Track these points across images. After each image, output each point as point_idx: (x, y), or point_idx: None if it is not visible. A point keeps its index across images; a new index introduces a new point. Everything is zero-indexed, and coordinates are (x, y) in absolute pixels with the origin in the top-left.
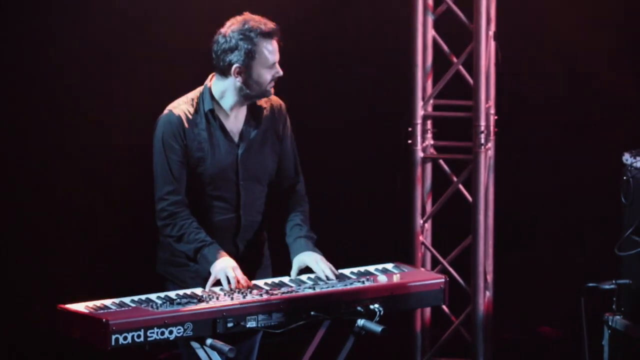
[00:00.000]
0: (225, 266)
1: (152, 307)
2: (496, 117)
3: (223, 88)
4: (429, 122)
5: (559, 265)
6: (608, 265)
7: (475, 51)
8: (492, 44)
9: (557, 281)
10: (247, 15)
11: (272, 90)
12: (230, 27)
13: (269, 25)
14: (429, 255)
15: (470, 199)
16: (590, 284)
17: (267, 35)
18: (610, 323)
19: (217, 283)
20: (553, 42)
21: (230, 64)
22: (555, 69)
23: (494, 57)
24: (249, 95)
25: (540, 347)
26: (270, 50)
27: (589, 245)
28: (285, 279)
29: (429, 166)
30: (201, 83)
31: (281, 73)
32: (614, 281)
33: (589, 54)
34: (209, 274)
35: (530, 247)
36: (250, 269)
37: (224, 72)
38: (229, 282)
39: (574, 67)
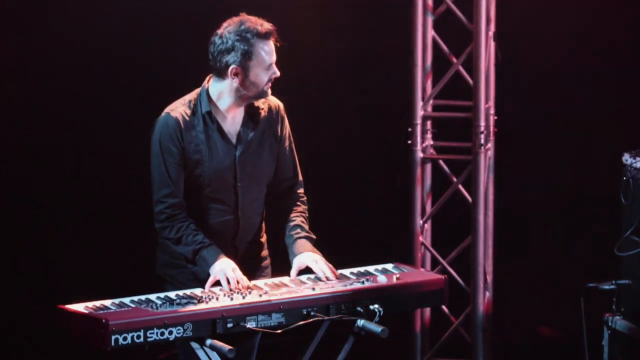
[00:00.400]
0: (224, 267)
1: (151, 307)
2: (496, 118)
3: (220, 89)
4: (428, 123)
5: (559, 265)
6: (608, 266)
7: (475, 51)
8: (492, 44)
9: (557, 281)
10: (243, 16)
11: (270, 91)
12: (227, 28)
13: (265, 25)
14: (428, 255)
15: (470, 199)
16: (590, 284)
17: (264, 36)
18: (610, 323)
19: (217, 284)
20: (553, 41)
21: (227, 65)
22: (556, 68)
23: (494, 58)
24: (246, 96)
25: (540, 347)
26: (267, 51)
27: (589, 245)
28: (285, 279)
29: (428, 166)
30: (199, 85)
31: (278, 74)
32: (613, 282)
33: (589, 53)
34: (208, 275)
35: (530, 247)
36: (250, 270)
37: (221, 74)
38: (228, 283)
39: (575, 67)
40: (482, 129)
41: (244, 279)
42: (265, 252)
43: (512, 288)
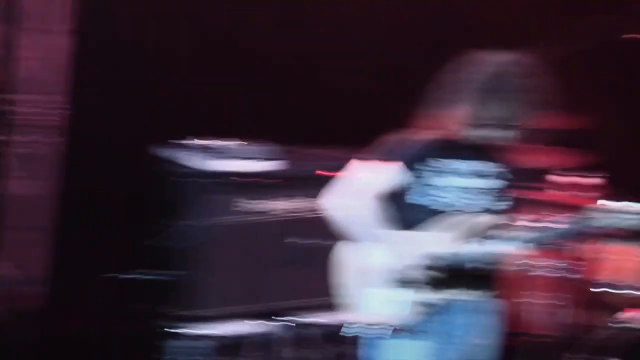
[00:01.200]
0: None
1: None
2: (62, 112)
3: None
4: None
5: (106, 255)
6: (142, 256)
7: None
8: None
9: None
10: None
11: None
12: None
13: None
14: None
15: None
16: (114, 274)
17: None
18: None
19: None
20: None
21: None
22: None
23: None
24: None
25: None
26: None
27: (128, 235)
28: None
29: None
30: None
31: None
32: (140, 271)
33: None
34: None
35: (89, 237)
36: None
37: None
38: None
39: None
40: (21, 120)
41: None
42: None
43: (75, 280)
